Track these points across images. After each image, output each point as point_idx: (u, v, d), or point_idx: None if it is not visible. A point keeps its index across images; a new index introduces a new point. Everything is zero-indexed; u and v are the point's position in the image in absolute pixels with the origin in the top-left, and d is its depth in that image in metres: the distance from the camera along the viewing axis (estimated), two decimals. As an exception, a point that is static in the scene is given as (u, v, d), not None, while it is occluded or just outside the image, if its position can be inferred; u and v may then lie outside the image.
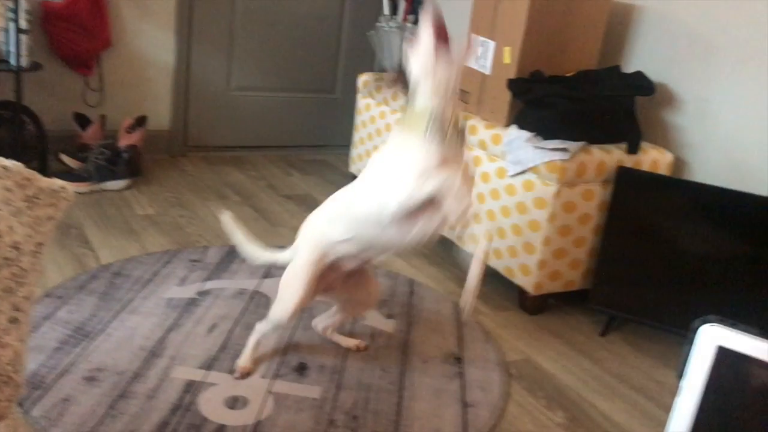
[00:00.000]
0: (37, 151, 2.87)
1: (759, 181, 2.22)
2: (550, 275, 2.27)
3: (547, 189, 2.18)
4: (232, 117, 3.59)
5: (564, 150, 2.16)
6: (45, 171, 2.80)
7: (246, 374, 1.77)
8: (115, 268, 2.22)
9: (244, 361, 1.78)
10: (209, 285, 2.20)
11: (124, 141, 3.03)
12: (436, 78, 1.52)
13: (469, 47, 1.52)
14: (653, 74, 2.46)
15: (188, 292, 2.14)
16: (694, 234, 2.19)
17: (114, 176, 2.90)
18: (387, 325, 2.11)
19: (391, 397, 1.77)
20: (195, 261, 2.34)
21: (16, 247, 0.92)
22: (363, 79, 3.13)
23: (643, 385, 1.99)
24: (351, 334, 2.01)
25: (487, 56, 2.45)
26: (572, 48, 2.45)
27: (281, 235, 2.68)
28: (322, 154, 3.79)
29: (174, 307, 2.04)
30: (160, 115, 3.38)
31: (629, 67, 2.60)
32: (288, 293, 1.70)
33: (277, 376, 1.79)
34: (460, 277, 2.51)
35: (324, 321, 1.97)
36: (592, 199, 2.24)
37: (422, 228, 1.56)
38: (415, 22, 3.20)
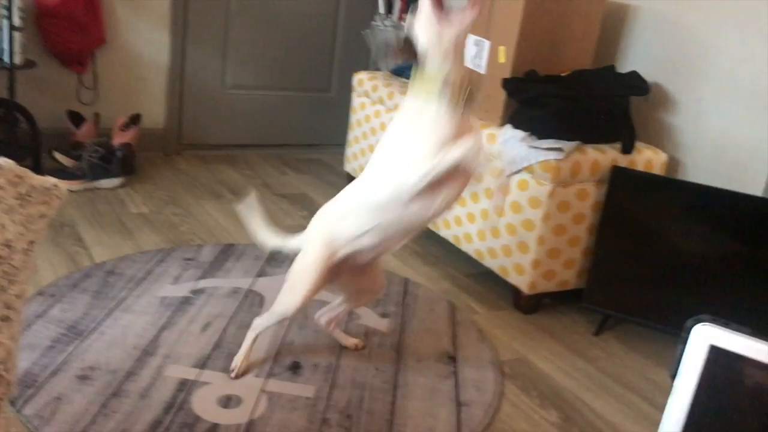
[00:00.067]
0: (31, 148, 2.86)
1: (753, 181, 2.23)
2: (544, 275, 2.27)
3: (542, 188, 2.18)
4: (227, 115, 3.58)
5: (558, 149, 2.16)
6: (38, 169, 2.79)
7: (243, 372, 1.76)
8: (109, 266, 2.22)
9: (240, 359, 1.77)
10: (203, 283, 2.19)
11: (118, 139, 3.02)
12: (443, 42, 1.52)
13: (473, 8, 1.53)
14: (648, 74, 2.46)
15: (182, 290, 2.13)
16: (687, 234, 2.19)
17: (108, 174, 2.89)
18: (381, 324, 2.11)
19: (385, 396, 1.77)
20: (189, 259, 2.33)
21: (7, 245, 0.92)
22: (358, 77, 3.13)
23: (637, 384, 2.00)
24: (344, 333, 2.00)
25: (482, 56, 2.45)
26: (567, 48, 2.45)
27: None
28: (316, 152, 3.78)
29: (167, 305, 2.03)
30: (155, 113, 3.37)
31: (624, 67, 2.61)
32: (297, 286, 1.68)
33: (270, 374, 1.79)
34: (455, 276, 2.51)
35: (328, 313, 1.93)
36: (587, 198, 2.25)
37: (446, 197, 1.56)
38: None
